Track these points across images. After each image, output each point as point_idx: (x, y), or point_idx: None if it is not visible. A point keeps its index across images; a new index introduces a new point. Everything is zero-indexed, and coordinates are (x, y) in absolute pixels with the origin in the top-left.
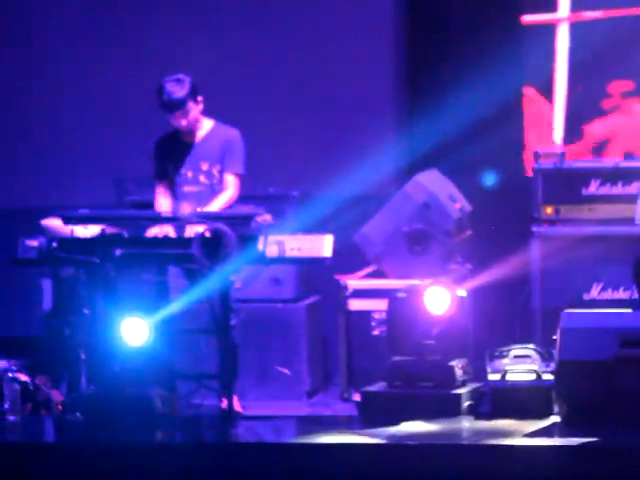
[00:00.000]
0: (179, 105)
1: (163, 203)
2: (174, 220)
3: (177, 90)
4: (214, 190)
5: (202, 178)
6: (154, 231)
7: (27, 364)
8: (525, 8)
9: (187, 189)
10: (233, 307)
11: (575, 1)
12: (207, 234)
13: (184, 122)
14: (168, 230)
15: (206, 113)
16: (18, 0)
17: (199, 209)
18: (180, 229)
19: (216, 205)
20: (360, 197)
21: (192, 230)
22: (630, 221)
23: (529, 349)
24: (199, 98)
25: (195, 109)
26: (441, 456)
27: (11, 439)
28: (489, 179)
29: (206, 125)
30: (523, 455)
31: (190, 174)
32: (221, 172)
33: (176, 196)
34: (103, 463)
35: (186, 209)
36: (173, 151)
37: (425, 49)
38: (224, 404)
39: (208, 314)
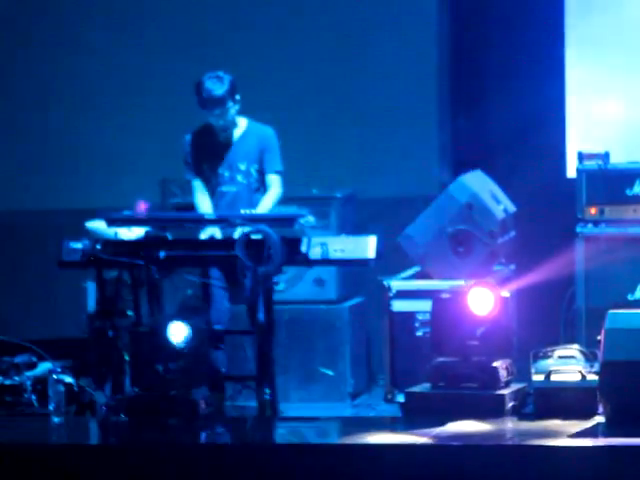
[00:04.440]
0: (218, 103)
1: (204, 201)
2: (217, 222)
3: (217, 88)
4: (251, 189)
5: (239, 178)
6: (207, 233)
7: (71, 366)
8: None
9: (224, 189)
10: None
11: None
12: (251, 236)
13: (222, 121)
14: (215, 232)
15: (246, 113)
16: (58, 3)
17: (243, 210)
18: (228, 231)
19: (265, 206)
20: (403, 198)
21: (239, 231)
22: None
23: (573, 349)
24: (237, 97)
25: (233, 108)
26: (485, 457)
27: (56, 440)
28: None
29: (241, 124)
30: (567, 456)
31: (227, 174)
32: (260, 172)
33: (212, 196)
34: (147, 464)
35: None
36: (209, 149)
37: (468, 47)
38: (262, 405)
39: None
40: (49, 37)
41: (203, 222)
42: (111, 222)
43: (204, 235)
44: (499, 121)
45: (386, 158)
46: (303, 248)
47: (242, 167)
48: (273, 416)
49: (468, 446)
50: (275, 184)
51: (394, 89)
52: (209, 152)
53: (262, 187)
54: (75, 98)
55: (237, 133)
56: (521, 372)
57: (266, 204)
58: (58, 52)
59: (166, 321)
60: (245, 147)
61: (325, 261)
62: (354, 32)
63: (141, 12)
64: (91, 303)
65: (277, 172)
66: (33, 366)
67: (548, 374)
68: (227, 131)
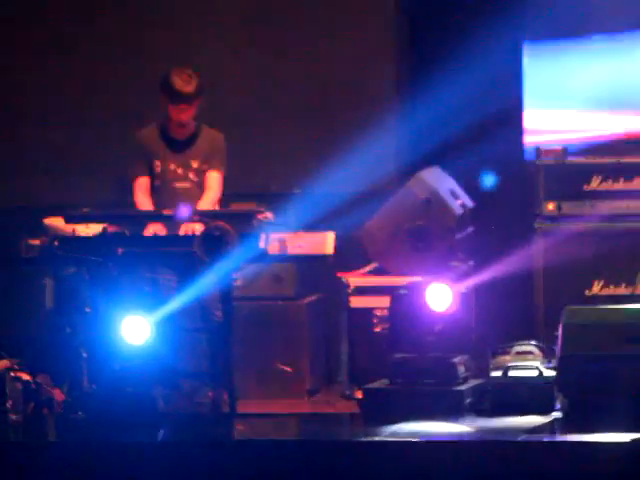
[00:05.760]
0: (189, 98)
1: (145, 201)
2: (175, 219)
3: (190, 83)
4: (201, 187)
5: (191, 175)
6: (151, 230)
7: (29, 363)
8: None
9: (178, 185)
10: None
11: None
12: (209, 232)
13: (185, 117)
14: (159, 229)
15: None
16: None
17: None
18: (174, 227)
19: (206, 203)
20: (362, 194)
21: (187, 228)
22: (631, 217)
23: (531, 345)
24: (202, 97)
25: (197, 107)
26: (443, 453)
27: (13, 438)
28: (488, 180)
29: (194, 125)
30: (524, 451)
31: (181, 171)
32: (205, 170)
33: (161, 191)
34: (105, 462)
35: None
36: (161, 146)
37: (426, 42)
38: (219, 402)
39: (206, 312)
40: (12, 34)
41: (161, 218)
42: (69, 219)
43: (147, 232)
44: (458, 117)
45: (344, 154)
46: (261, 244)
47: (194, 165)
48: (231, 413)
49: (426, 442)
50: (215, 183)
51: (352, 85)
52: (162, 149)
53: None
54: (30, 96)
55: (191, 133)
56: (479, 368)
57: (207, 201)
58: (22, 49)
59: (124, 318)
60: (198, 146)
61: (283, 257)
62: (311, 26)
63: (111, 18)
64: (49, 300)
65: (220, 172)
66: None
67: (506, 370)
68: (183, 129)
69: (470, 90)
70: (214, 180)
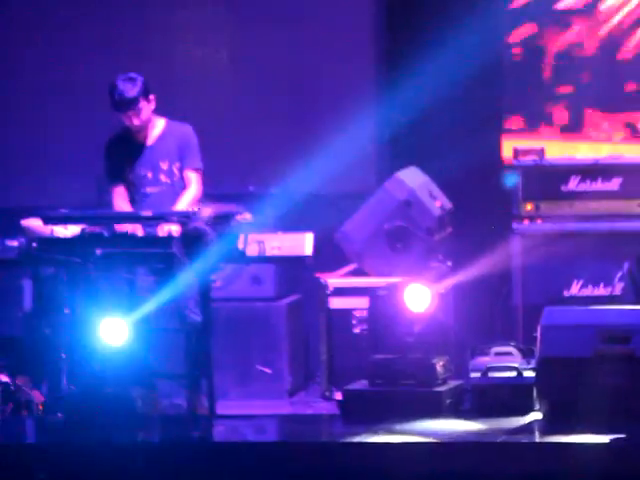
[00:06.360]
0: (131, 104)
1: (124, 208)
2: (154, 219)
3: (129, 89)
4: (175, 188)
5: (163, 177)
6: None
7: (7, 364)
8: None
9: (149, 190)
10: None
11: None
12: (187, 233)
13: (136, 121)
14: (136, 229)
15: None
16: None
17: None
18: (151, 228)
19: (184, 203)
20: (340, 195)
21: (165, 229)
22: (609, 217)
23: (510, 346)
24: (151, 97)
25: (147, 108)
26: (422, 454)
27: None
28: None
29: (159, 124)
30: (504, 452)
31: (150, 174)
32: (180, 170)
33: (134, 198)
34: (84, 463)
35: None
36: (128, 152)
37: (404, 36)
38: (195, 403)
39: (185, 313)
40: None
41: (140, 220)
42: (47, 220)
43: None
44: (437, 115)
45: (323, 154)
46: (240, 245)
47: (164, 167)
48: (210, 414)
49: (405, 444)
50: (193, 181)
51: (331, 86)
52: (130, 155)
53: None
54: (8, 97)
55: (156, 133)
56: (458, 369)
57: (184, 201)
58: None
59: (102, 319)
60: (165, 146)
61: (262, 258)
62: (292, 29)
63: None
64: (27, 301)
65: (195, 169)
66: None
67: (485, 371)
68: (142, 131)
69: (448, 87)
70: (191, 179)
